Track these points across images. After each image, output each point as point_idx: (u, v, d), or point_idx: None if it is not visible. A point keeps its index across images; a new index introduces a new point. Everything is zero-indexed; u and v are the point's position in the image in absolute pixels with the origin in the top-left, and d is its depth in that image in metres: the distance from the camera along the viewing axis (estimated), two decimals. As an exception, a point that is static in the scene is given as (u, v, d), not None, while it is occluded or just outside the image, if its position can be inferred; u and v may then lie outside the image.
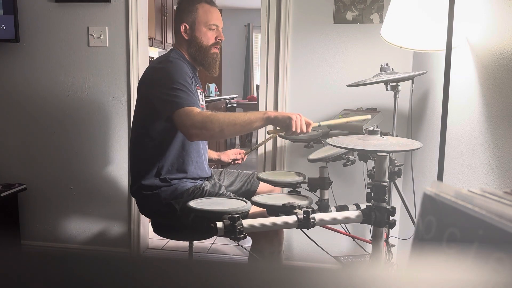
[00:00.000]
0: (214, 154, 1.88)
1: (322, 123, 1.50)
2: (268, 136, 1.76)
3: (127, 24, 2.27)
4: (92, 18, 2.30)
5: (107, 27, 2.29)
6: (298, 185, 1.52)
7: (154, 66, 1.59)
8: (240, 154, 1.92)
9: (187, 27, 1.63)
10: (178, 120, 1.43)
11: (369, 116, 1.64)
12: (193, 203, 1.27)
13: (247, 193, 1.75)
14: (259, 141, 2.35)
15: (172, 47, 1.72)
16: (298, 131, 1.40)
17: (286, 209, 1.23)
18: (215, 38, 1.65)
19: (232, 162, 1.91)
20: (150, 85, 1.55)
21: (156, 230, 1.67)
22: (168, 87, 1.46)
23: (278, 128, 1.47)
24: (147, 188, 1.57)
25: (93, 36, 2.30)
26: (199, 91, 1.66)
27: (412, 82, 1.69)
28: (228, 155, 1.90)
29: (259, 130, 2.34)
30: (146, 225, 2.51)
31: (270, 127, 1.72)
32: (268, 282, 0.28)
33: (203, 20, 1.62)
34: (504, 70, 1.14)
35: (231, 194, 1.55)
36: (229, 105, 5.42)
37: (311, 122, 1.44)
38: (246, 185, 1.80)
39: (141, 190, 1.59)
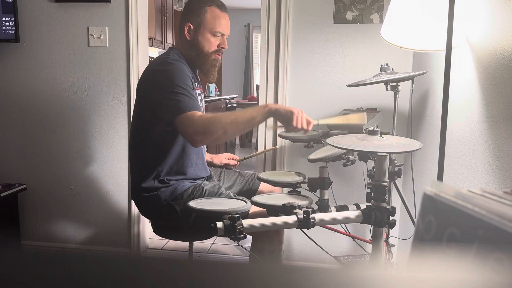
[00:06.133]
0: (207, 156, 1.86)
1: (320, 122, 1.49)
2: (266, 149, 1.74)
3: (127, 24, 2.27)
4: (92, 18, 2.30)
5: (107, 27, 2.29)
6: (298, 185, 1.52)
7: (154, 68, 1.55)
8: (233, 160, 1.90)
9: (192, 28, 1.58)
10: (180, 126, 1.41)
11: (365, 117, 1.58)
12: (193, 203, 1.27)
13: (248, 193, 1.75)
14: (259, 142, 2.35)
15: (170, 47, 1.69)
16: (299, 127, 1.38)
17: (286, 209, 1.23)
18: (218, 46, 1.61)
19: (224, 167, 1.90)
20: (150, 88, 1.52)
21: (156, 230, 1.67)
22: (168, 90, 1.43)
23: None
24: (146, 190, 1.56)
25: (93, 36, 2.30)
26: (198, 91, 1.65)
27: (412, 82, 1.69)
28: (220, 159, 1.89)
29: (260, 132, 2.34)
30: (146, 225, 2.51)
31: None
32: (268, 282, 0.28)
33: (209, 26, 1.57)
34: (504, 70, 1.14)
35: (231, 194, 1.55)
36: (229, 105, 5.42)
37: (312, 120, 1.42)
38: (247, 185, 1.79)
39: (141, 193, 1.59)
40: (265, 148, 2.31)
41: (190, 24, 1.59)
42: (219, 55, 1.63)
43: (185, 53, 1.63)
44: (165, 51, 1.91)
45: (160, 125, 1.52)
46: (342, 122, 1.59)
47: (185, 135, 1.43)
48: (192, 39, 1.60)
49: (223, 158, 1.90)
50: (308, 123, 1.40)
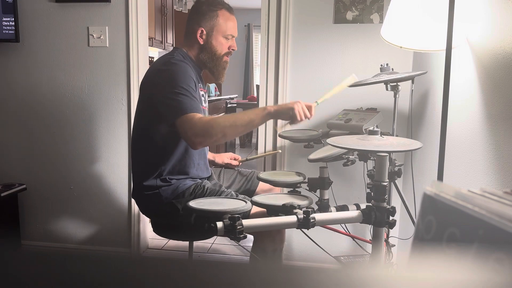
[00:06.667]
0: (209, 155, 1.86)
1: (319, 101, 1.51)
2: (266, 153, 1.68)
3: (127, 24, 2.27)
4: (92, 18, 2.30)
5: (107, 27, 2.29)
6: (298, 185, 1.52)
7: (158, 68, 1.56)
8: (235, 160, 1.90)
9: (204, 32, 1.60)
10: (181, 128, 1.41)
11: (355, 77, 1.56)
12: (193, 203, 1.27)
13: (247, 193, 1.75)
14: (260, 142, 2.35)
15: (175, 46, 1.70)
16: (303, 118, 1.40)
17: (286, 209, 1.23)
18: (228, 48, 1.64)
19: (226, 167, 1.90)
20: (153, 87, 1.53)
21: (156, 230, 1.67)
22: (170, 91, 1.44)
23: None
24: (148, 188, 1.57)
25: (93, 36, 2.30)
26: (202, 92, 1.65)
27: (412, 82, 1.69)
28: (222, 159, 1.89)
29: (260, 132, 2.34)
30: (146, 225, 2.51)
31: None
32: (268, 282, 0.28)
33: (221, 29, 1.60)
34: (504, 70, 1.14)
35: (233, 193, 1.55)
36: (229, 105, 5.42)
37: (311, 104, 1.44)
38: (245, 184, 1.79)
39: (142, 191, 1.59)
40: (265, 149, 2.31)
41: (202, 29, 1.60)
42: (228, 56, 1.66)
43: (192, 55, 1.64)
44: (169, 51, 1.90)
45: (163, 125, 1.53)
46: (336, 90, 1.58)
47: (185, 137, 1.43)
48: (204, 43, 1.61)
49: (225, 157, 1.90)
50: (309, 108, 1.43)
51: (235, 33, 1.65)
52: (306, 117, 1.41)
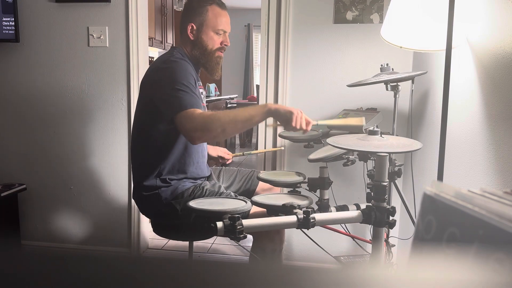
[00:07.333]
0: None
1: (320, 122, 1.49)
2: (266, 149, 1.69)
3: (127, 24, 2.27)
4: (92, 18, 2.30)
5: (107, 27, 2.29)
6: (298, 185, 1.52)
7: (158, 66, 1.57)
8: (228, 155, 1.90)
9: (194, 27, 1.61)
10: (180, 123, 1.41)
11: (363, 120, 1.56)
12: (193, 203, 1.27)
13: (247, 193, 1.75)
14: (260, 142, 2.35)
15: (174, 46, 1.70)
16: (298, 127, 1.38)
17: (286, 209, 1.23)
18: (221, 43, 1.63)
19: (220, 160, 1.89)
20: (153, 85, 1.54)
21: (156, 230, 1.67)
22: (170, 87, 1.44)
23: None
24: (147, 188, 1.57)
25: (93, 36, 2.30)
26: (201, 90, 1.66)
27: (412, 82, 1.69)
28: (216, 151, 1.88)
29: (260, 132, 2.34)
30: (146, 225, 2.50)
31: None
32: (268, 282, 0.28)
33: (211, 24, 1.60)
34: (504, 70, 1.14)
35: (232, 194, 1.55)
36: (229, 105, 5.42)
37: (311, 120, 1.42)
38: (245, 184, 1.79)
39: (142, 191, 1.59)
40: (265, 148, 2.31)
41: (192, 24, 1.61)
42: (221, 52, 1.66)
43: (188, 52, 1.65)
44: (167, 50, 1.91)
45: (163, 123, 1.53)
46: (341, 123, 1.59)
47: (184, 132, 1.43)
48: (195, 38, 1.62)
49: (219, 151, 1.89)
50: (307, 123, 1.41)
51: (227, 28, 1.64)
52: (301, 127, 1.39)
